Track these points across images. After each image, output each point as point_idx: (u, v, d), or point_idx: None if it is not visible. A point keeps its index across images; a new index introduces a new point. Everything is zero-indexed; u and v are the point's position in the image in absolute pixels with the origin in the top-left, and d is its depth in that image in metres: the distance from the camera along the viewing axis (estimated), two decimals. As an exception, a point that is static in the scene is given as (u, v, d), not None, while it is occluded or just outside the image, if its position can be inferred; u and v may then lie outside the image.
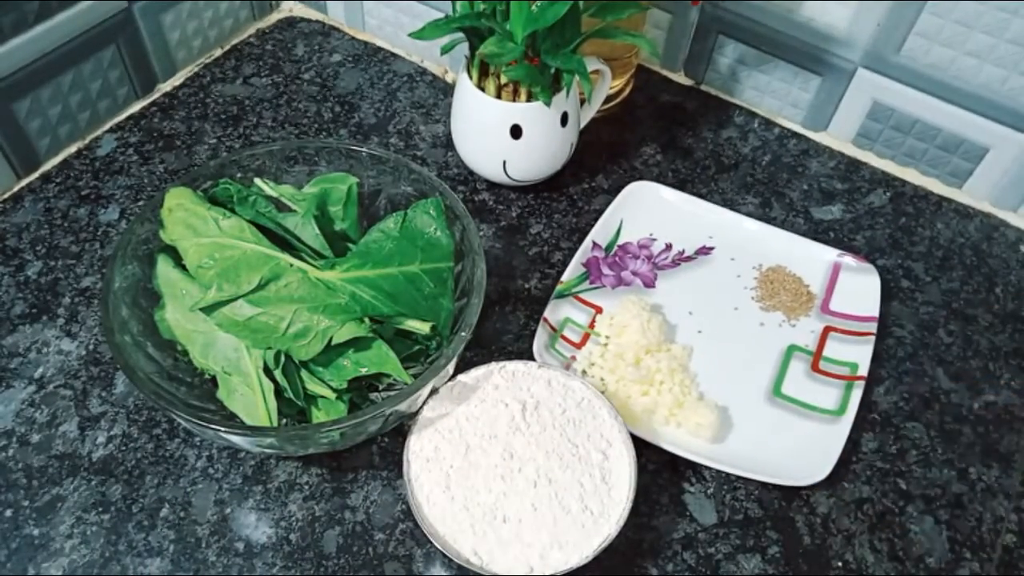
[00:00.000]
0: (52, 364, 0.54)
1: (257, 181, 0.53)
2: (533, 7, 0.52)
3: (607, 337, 0.56)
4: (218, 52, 0.77)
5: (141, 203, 0.64)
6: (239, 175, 0.53)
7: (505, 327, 0.57)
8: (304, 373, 0.47)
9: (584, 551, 0.43)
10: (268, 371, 0.46)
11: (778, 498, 0.50)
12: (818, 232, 0.64)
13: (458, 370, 0.49)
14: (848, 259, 0.60)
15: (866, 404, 0.54)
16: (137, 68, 0.70)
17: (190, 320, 0.47)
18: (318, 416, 0.47)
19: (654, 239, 0.62)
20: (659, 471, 0.51)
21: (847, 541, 0.49)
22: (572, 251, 0.61)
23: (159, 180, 0.66)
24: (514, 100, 0.59)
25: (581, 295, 0.58)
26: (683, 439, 0.51)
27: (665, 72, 0.76)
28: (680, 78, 0.76)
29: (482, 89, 0.59)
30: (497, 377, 0.49)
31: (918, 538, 0.49)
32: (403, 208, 0.51)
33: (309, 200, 0.52)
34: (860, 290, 0.59)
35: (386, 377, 0.50)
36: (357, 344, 0.47)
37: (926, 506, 0.50)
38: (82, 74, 0.66)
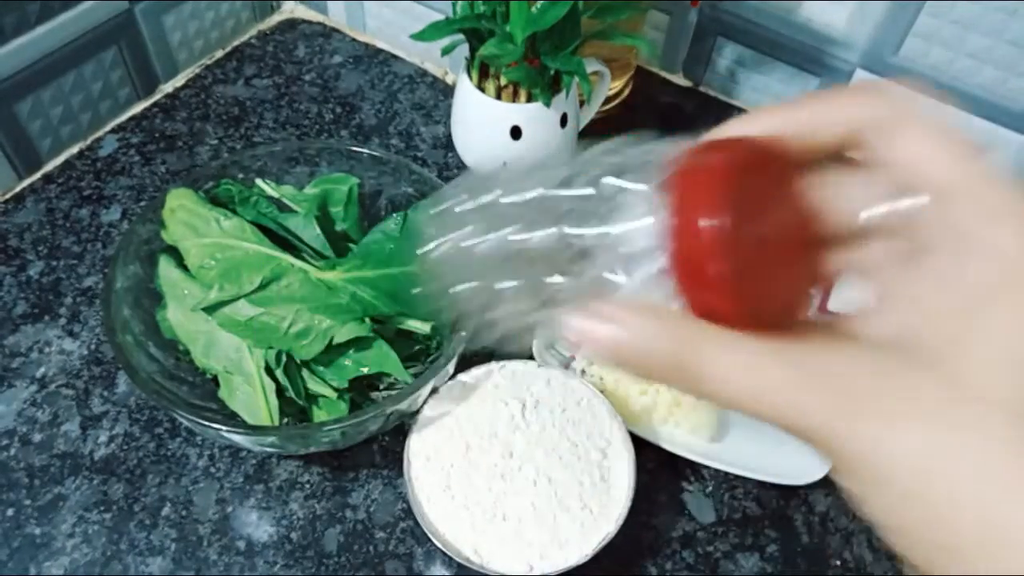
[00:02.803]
0: (54, 364, 0.54)
1: (258, 182, 0.53)
2: (533, 9, 0.52)
3: (607, 337, 0.56)
4: (219, 53, 0.77)
5: (143, 203, 0.64)
6: (240, 176, 0.53)
7: (505, 327, 0.57)
8: (305, 373, 0.47)
9: (584, 550, 0.43)
10: (269, 371, 0.46)
11: (776, 497, 0.50)
12: (817, 233, 0.64)
13: (458, 369, 0.49)
14: (847, 259, 0.60)
15: (864, 404, 0.54)
16: (139, 69, 0.70)
17: (192, 320, 0.48)
18: (319, 415, 0.47)
19: (653, 239, 0.62)
20: (658, 470, 0.51)
21: (845, 540, 0.49)
22: (572, 251, 0.61)
23: (161, 181, 0.66)
24: (514, 101, 0.59)
25: (581, 295, 0.59)
26: (682, 438, 0.51)
27: (664, 73, 0.76)
28: (679, 79, 0.76)
29: (482, 90, 0.59)
30: (497, 376, 0.50)
31: (916, 537, 0.49)
32: (404, 209, 0.52)
33: (310, 201, 0.52)
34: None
35: (387, 376, 0.50)
36: (358, 344, 0.47)
37: (924, 505, 0.50)
38: (84, 75, 0.66)
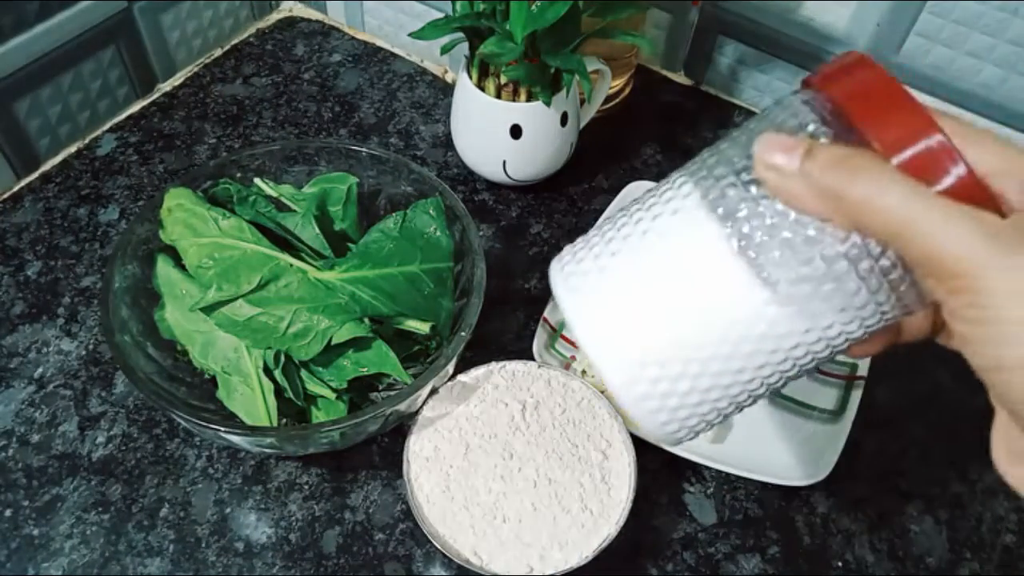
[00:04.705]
0: (52, 364, 0.54)
1: (257, 181, 0.53)
2: (533, 7, 0.52)
3: (607, 337, 0.56)
4: (218, 52, 0.77)
5: (141, 203, 0.64)
6: (239, 175, 0.53)
7: (505, 327, 0.57)
8: (304, 373, 0.47)
9: (584, 551, 0.43)
10: (268, 371, 0.46)
11: (778, 498, 0.50)
12: (818, 232, 0.64)
13: (458, 370, 0.49)
14: (848, 259, 0.60)
15: (866, 404, 0.54)
16: (137, 68, 0.70)
17: (190, 320, 0.47)
18: (318, 416, 0.47)
19: (654, 239, 0.62)
20: (659, 471, 0.51)
21: (847, 541, 0.49)
22: (572, 251, 0.61)
23: (159, 180, 0.66)
24: (514, 100, 0.59)
25: (581, 295, 0.58)
26: (683, 439, 0.51)
27: (665, 72, 0.76)
28: (680, 78, 0.76)
29: (482, 89, 0.59)
30: (497, 377, 0.49)
31: (918, 538, 0.49)
32: (403, 208, 0.51)
33: (309, 200, 0.52)
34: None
35: (386, 377, 0.50)
36: (357, 344, 0.47)
37: (926, 506, 0.50)
38: (82, 74, 0.66)
